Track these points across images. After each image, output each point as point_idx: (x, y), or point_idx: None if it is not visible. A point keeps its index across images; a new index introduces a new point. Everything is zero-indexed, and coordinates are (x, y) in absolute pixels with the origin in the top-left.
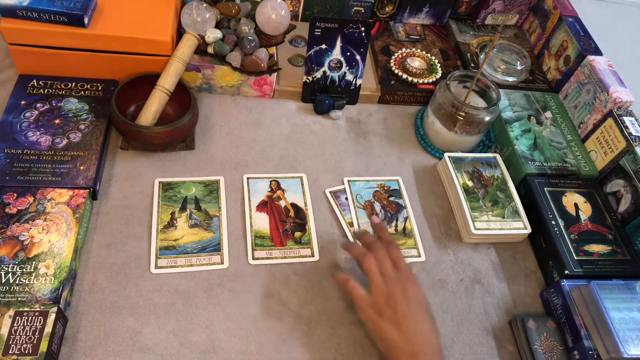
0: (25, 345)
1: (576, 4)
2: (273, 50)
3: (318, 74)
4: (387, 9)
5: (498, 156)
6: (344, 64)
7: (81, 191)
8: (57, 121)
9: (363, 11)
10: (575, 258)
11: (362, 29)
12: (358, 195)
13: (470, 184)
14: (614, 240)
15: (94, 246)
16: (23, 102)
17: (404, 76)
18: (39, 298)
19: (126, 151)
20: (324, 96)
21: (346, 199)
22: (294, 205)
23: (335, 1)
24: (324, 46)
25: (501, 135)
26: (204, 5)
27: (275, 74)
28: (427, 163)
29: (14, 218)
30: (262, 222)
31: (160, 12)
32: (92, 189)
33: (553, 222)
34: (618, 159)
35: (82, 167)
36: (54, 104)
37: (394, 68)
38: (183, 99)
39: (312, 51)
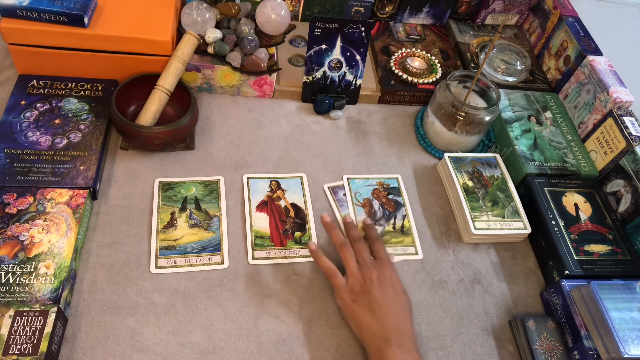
0: (25, 345)
1: (576, 4)
2: (273, 50)
3: (318, 74)
4: (387, 9)
5: (498, 156)
6: (344, 64)
7: (81, 191)
8: (57, 121)
9: (363, 11)
10: (575, 258)
11: (362, 29)
12: (357, 193)
13: (470, 184)
14: (614, 240)
15: (94, 246)
16: (23, 102)
17: (404, 76)
18: (39, 298)
19: (126, 151)
20: (324, 96)
21: (344, 195)
22: (294, 205)
23: (335, 1)
24: (324, 46)
25: (501, 135)
26: (204, 5)
27: (275, 74)
28: (427, 163)
29: (14, 218)
30: (262, 222)
31: (160, 12)
32: (92, 189)
33: (553, 222)
34: (618, 159)
35: (82, 167)
36: (54, 104)
37: (394, 68)
38: (183, 99)
39: (312, 51)
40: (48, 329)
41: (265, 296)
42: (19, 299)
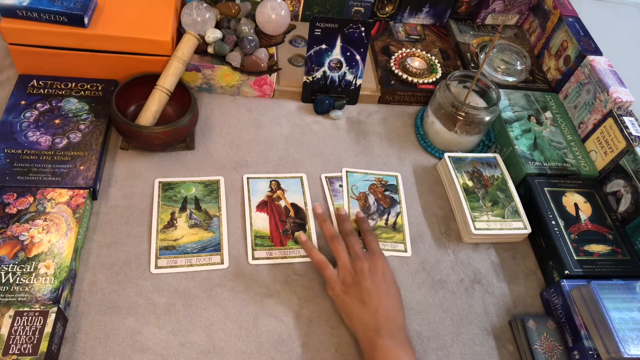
0: (25, 345)
1: (576, 4)
2: (273, 50)
3: (318, 74)
4: (387, 9)
5: (498, 156)
6: (344, 64)
7: (81, 191)
8: (57, 121)
9: (363, 11)
10: (575, 258)
11: (362, 29)
12: (354, 186)
13: (470, 184)
14: (614, 240)
15: (94, 246)
16: (23, 102)
17: (404, 76)
18: (39, 298)
19: (126, 151)
20: (324, 96)
21: (340, 186)
22: (294, 205)
23: (335, 1)
24: (324, 46)
25: (501, 135)
26: (204, 5)
27: (275, 74)
28: (427, 163)
29: (14, 218)
30: (262, 222)
31: (160, 12)
32: (92, 189)
33: (553, 222)
34: (618, 159)
35: (82, 167)
36: (54, 104)
37: (394, 68)
38: (183, 99)
39: (312, 51)
40: (48, 329)
41: (265, 296)
42: (19, 299)
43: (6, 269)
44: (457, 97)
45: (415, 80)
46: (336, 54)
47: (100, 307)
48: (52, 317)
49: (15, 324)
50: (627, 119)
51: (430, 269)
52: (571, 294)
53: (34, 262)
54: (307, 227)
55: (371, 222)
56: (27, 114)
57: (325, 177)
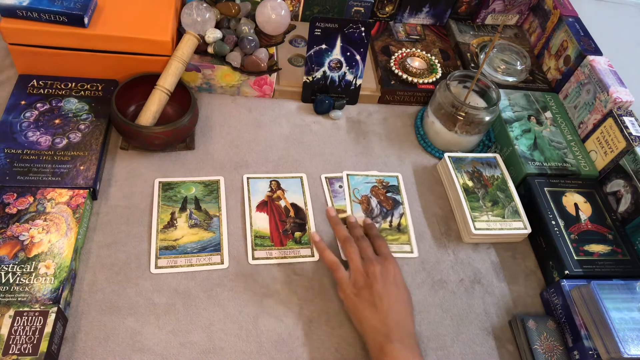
0: (25, 345)
1: (576, 4)
2: (273, 50)
3: (318, 74)
4: (387, 9)
5: (498, 156)
6: (344, 64)
7: (81, 191)
8: (57, 121)
9: (363, 11)
10: (575, 258)
11: (362, 29)
12: (355, 190)
13: (470, 184)
14: (614, 240)
15: (94, 246)
16: (23, 102)
17: (404, 76)
18: (39, 298)
19: (126, 151)
20: (324, 96)
21: (340, 186)
22: (294, 205)
23: (335, 1)
24: (324, 46)
25: (501, 135)
26: (204, 5)
27: (275, 74)
28: (427, 163)
29: (14, 218)
30: (262, 222)
31: (160, 12)
32: (92, 189)
33: (553, 222)
34: (618, 159)
35: (82, 167)
36: (54, 104)
37: (394, 68)
38: (183, 99)
39: (312, 51)
40: (48, 329)
41: (265, 296)
42: (19, 299)
43: (6, 269)
44: (457, 97)
45: (415, 80)
46: (336, 54)
47: (100, 307)
48: (52, 317)
49: (15, 324)
50: (627, 119)
51: (430, 269)
52: (571, 294)
53: (34, 262)
54: (307, 227)
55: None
56: (27, 114)
57: (325, 177)
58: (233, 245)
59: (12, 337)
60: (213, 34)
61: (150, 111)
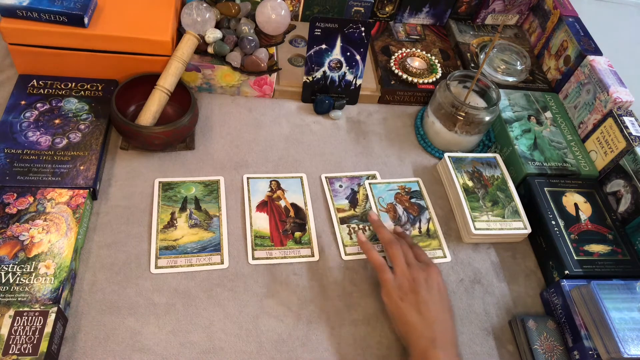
0: (25, 345)
1: (576, 4)
2: (273, 50)
3: (318, 74)
4: (387, 9)
5: (498, 156)
6: (344, 64)
7: (81, 191)
8: (57, 121)
9: (363, 11)
10: (575, 258)
11: (362, 29)
12: (380, 198)
13: (470, 184)
14: (614, 240)
15: (94, 246)
16: (23, 102)
17: (404, 76)
18: (39, 298)
19: (126, 151)
20: (324, 96)
21: (340, 186)
22: (294, 205)
23: (335, 1)
24: (324, 46)
25: (501, 135)
26: (204, 5)
27: (275, 74)
28: (427, 163)
29: (14, 218)
30: (262, 222)
31: (160, 12)
32: (92, 189)
33: (553, 222)
34: (618, 159)
35: (82, 167)
36: (54, 104)
37: (394, 68)
38: (183, 99)
39: (312, 51)
40: (48, 329)
41: (265, 296)
42: (19, 299)
43: (6, 269)
44: (457, 97)
45: (415, 80)
46: (336, 54)
47: (100, 307)
48: (52, 317)
49: (15, 324)
50: (627, 119)
51: None
52: (571, 294)
53: (34, 262)
54: (307, 227)
55: None
56: (27, 114)
57: (325, 177)
58: (233, 245)
59: (12, 337)
60: (213, 34)
61: (150, 111)
